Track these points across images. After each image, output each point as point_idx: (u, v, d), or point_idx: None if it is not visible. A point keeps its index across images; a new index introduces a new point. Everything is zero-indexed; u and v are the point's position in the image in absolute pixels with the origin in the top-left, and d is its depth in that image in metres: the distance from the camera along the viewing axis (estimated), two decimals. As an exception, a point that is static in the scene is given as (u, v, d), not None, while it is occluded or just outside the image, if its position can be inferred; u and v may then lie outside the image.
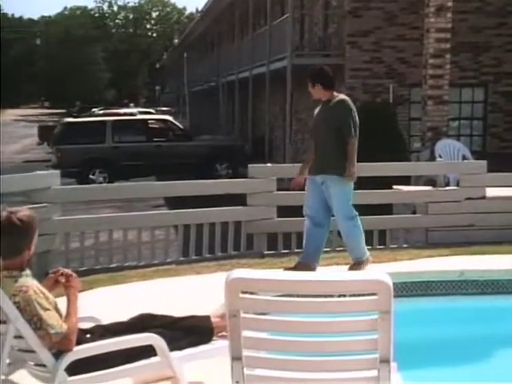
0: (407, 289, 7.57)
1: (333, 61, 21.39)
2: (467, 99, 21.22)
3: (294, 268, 7.99)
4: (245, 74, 30.26)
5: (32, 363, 4.14)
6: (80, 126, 23.60)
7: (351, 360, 3.13)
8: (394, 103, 19.70)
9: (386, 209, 10.51)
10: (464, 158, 14.46)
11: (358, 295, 3.09)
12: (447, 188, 10.83)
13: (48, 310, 4.00)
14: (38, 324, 3.96)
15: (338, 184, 7.89)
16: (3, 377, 4.00)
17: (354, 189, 8.22)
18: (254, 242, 9.73)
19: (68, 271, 4.35)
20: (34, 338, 3.92)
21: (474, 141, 20.91)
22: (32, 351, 3.97)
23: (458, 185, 10.67)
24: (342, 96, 8.21)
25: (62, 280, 4.29)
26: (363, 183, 10.04)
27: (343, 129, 7.92)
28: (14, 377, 4.22)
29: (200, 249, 9.49)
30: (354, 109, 8.10)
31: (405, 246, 9.88)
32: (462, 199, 10.13)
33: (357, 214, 8.07)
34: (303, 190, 8.33)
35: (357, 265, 8.00)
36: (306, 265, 8.00)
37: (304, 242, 8.39)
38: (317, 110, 8.32)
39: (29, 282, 4.04)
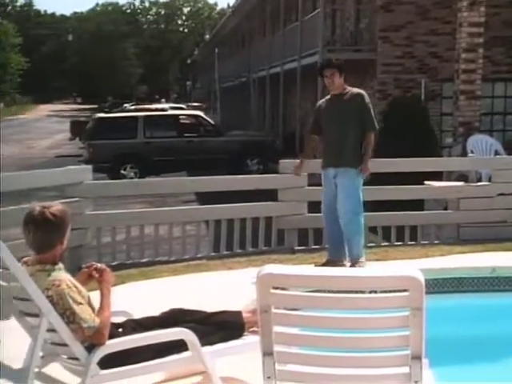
0: (439, 285, 7.53)
1: (364, 56, 21.35)
2: (500, 94, 21.04)
3: (324, 265, 7.97)
4: (276, 69, 30.22)
5: (65, 356, 4.17)
6: (112, 121, 23.71)
7: (383, 356, 3.12)
8: (425, 98, 19.58)
9: (417, 205, 10.46)
10: (496, 153, 14.35)
11: (390, 291, 3.09)
12: (479, 184, 10.73)
13: (81, 304, 4.03)
14: (70, 318, 3.99)
15: (349, 177, 7.87)
16: (36, 369, 4.04)
17: (371, 184, 8.21)
18: (284, 238, 9.73)
19: (101, 266, 4.38)
20: (67, 332, 3.95)
21: (506, 136, 20.72)
22: (65, 345, 4.00)
23: (490, 180, 10.59)
24: (358, 89, 8.16)
25: (96, 274, 4.32)
26: (394, 179, 10.02)
27: (366, 122, 7.88)
28: (47, 369, 4.25)
29: (231, 244, 9.51)
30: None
31: (436, 242, 9.83)
32: (494, 195, 10.06)
33: (362, 210, 8.02)
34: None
35: (353, 265, 7.90)
36: (334, 261, 7.97)
37: (327, 239, 8.42)
38: (324, 103, 8.24)
39: (62, 275, 4.07)
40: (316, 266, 7.93)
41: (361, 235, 8.03)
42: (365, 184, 8.26)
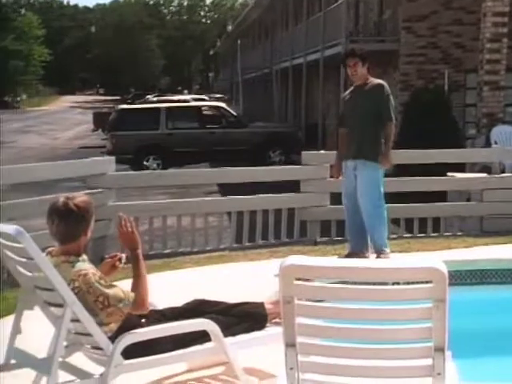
0: (462, 277, 7.50)
1: (387, 46, 21.25)
2: (524, 85, 20.89)
3: (346, 257, 7.95)
4: (299, 60, 30.15)
5: (88, 346, 4.20)
6: (134, 112, 23.78)
7: (405, 348, 3.12)
8: (448, 89, 19.47)
9: (440, 196, 10.42)
10: (521, 144, 14.25)
11: (413, 283, 3.08)
12: (503, 175, 10.68)
13: (110, 286, 4.06)
14: (105, 302, 4.02)
15: (370, 169, 7.83)
16: (60, 359, 4.07)
17: (393, 175, 8.15)
18: (307, 229, 9.73)
19: (124, 256, 4.40)
20: (91, 322, 3.98)
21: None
22: (88, 334, 4.03)
23: (514, 172, 10.54)
24: (379, 80, 8.09)
25: (119, 265, 4.34)
26: (417, 170, 9.98)
27: (383, 113, 7.83)
28: (70, 359, 4.29)
29: (253, 236, 9.52)
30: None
31: (459, 233, 9.79)
32: (518, 187, 9.99)
33: (384, 202, 7.97)
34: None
35: (379, 257, 7.87)
36: (356, 254, 7.96)
37: (348, 231, 8.38)
38: (348, 95, 8.22)
39: (86, 266, 4.09)
40: (338, 258, 7.91)
41: (384, 226, 7.99)
42: (387, 176, 8.23)
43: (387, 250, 7.94)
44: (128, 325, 4.13)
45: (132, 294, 4.09)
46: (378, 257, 7.87)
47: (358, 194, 7.92)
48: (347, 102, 8.21)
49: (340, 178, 8.27)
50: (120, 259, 4.37)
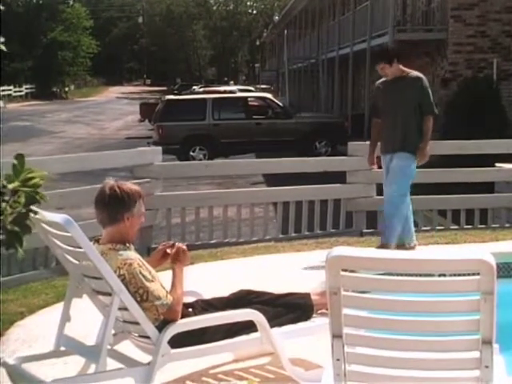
0: (509, 269, 7.41)
1: (435, 36, 21.08)
2: None
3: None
4: (345, 50, 30.01)
5: (136, 335, 4.24)
6: (181, 103, 23.90)
7: (452, 340, 3.10)
8: (497, 78, 19.23)
9: (487, 187, 10.31)
10: None
11: (460, 275, 3.06)
12: (553, 166, 10.52)
13: (153, 281, 4.09)
14: (144, 296, 4.05)
15: (404, 160, 7.71)
16: (109, 347, 4.12)
17: (440, 166, 8.02)
18: (353, 220, 9.70)
19: (180, 244, 4.42)
20: (138, 310, 4.01)
21: None
22: (136, 323, 4.07)
23: None
24: (417, 73, 7.92)
25: (172, 251, 4.35)
26: (464, 161, 9.89)
27: (424, 106, 7.72)
28: (118, 347, 4.34)
29: (299, 226, 9.52)
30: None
31: (507, 225, 9.68)
32: None
33: (409, 199, 7.80)
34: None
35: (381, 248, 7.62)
36: (386, 246, 7.71)
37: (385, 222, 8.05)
38: (383, 85, 8.04)
39: (133, 256, 4.13)
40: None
41: (398, 219, 7.73)
42: (433, 166, 8.12)
43: (391, 244, 7.70)
44: (175, 314, 4.16)
45: (170, 297, 4.10)
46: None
47: (387, 183, 7.85)
48: (383, 93, 8.05)
49: (374, 167, 8.24)
50: (173, 245, 4.38)
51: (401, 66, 7.82)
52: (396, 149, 7.77)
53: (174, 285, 4.20)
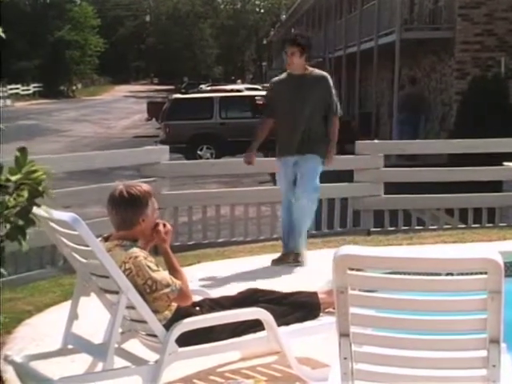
0: (517, 268, 7.39)
1: (443, 34, 21.03)
2: None
3: (279, 260, 7.47)
4: (352, 49, 29.97)
5: (143, 333, 4.25)
6: (188, 102, 23.91)
7: (460, 339, 3.09)
8: (505, 77, 19.19)
9: (495, 186, 10.29)
10: None
11: (467, 274, 3.06)
12: (561, 165, 10.48)
13: (158, 270, 4.10)
14: (153, 287, 4.06)
15: (314, 163, 7.31)
16: (116, 345, 4.12)
17: (447, 164, 7.92)
18: (360, 219, 9.70)
19: (167, 224, 4.38)
20: (146, 309, 4.02)
21: None
22: (143, 321, 4.08)
23: None
24: (321, 71, 7.51)
25: (161, 228, 4.31)
26: (473, 160, 9.87)
27: (330, 107, 7.31)
28: (126, 346, 4.34)
29: (306, 225, 9.50)
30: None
31: (515, 224, 9.65)
32: None
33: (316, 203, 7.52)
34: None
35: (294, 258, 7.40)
36: (288, 254, 7.50)
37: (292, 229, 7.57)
38: (282, 84, 7.48)
39: (136, 249, 4.14)
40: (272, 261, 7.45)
41: (308, 225, 7.60)
42: (443, 165, 8.11)
43: (298, 251, 7.43)
44: (182, 313, 4.17)
45: (179, 282, 4.13)
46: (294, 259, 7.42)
47: (303, 185, 7.33)
48: (282, 92, 7.43)
49: (250, 165, 7.74)
50: (164, 224, 4.36)
51: (305, 62, 7.34)
52: (303, 151, 7.29)
53: (173, 268, 4.22)
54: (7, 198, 2.67)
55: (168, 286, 4.08)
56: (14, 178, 2.70)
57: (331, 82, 7.42)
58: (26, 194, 2.71)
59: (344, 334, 3.12)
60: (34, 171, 2.72)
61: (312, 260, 7.53)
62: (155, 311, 4.09)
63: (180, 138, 21.45)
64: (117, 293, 4.00)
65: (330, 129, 7.39)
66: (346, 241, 8.52)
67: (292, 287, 4.96)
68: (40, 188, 2.74)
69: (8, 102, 52.62)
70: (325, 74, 7.46)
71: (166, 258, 4.30)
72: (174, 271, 4.23)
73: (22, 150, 2.76)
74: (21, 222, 2.72)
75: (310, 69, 7.42)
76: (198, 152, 22.15)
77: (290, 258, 7.43)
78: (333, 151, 7.40)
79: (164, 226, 4.33)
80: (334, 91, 7.40)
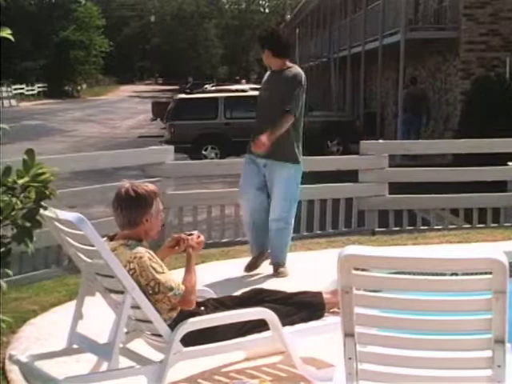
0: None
1: (447, 34, 21.02)
2: None
3: (251, 265, 7.16)
4: (357, 49, 29.96)
5: (148, 333, 4.25)
6: (193, 102, 23.90)
7: (465, 339, 3.09)
8: (510, 77, 19.17)
9: (500, 186, 10.27)
10: None
11: (472, 274, 3.05)
12: None
13: (163, 273, 4.11)
14: (155, 288, 4.07)
15: (285, 169, 6.97)
16: (121, 345, 4.13)
17: (453, 165, 7.86)
18: (365, 219, 9.69)
19: (200, 234, 4.49)
20: (151, 309, 4.03)
21: None
22: (148, 321, 4.09)
23: None
24: (296, 68, 7.06)
25: (179, 249, 4.38)
26: (477, 159, 9.86)
27: (285, 102, 6.80)
28: (131, 345, 4.35)
29: (311, 225, 9.51)
30: (304, 86, 7.01)
31: (520, 224, 9.64)
32: None
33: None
34: None
35: (275, 269, 7.07)
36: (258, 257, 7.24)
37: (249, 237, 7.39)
38: (265, 80, 7.26)
39: (142, 249, 4.15)
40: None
41: (290, 234, 7.25)
42: (450, 165, 8.08)
43: (284, 264, 7.14)
44: (187, 313, 4.17)
45: (183, 286, 4.13)
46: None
47: (278, 195, 7.00)
48: (261, 88, 7.28)
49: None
50: (184, 241, 4.40)
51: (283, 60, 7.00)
52: (270, 154, 6.89)
53: (188, 272, 4.23)
54: (14, 199, 2.68)
55: (171, 289, 4.08)
56: (21, 181, 2.70)
57: (300, 81, 6.94)
58: (33, 195, 2.71)
59: (349, 334, 3.12)
60: (42, 173, 2.73)
61: (317, 260, 7.53)
62: (158, 312, 4.09)
63: (185, 138, 21.45)
64: (122, 292, 4.01)
65: (279, 121, 6.82)
66: (350, 241, 8.52)
67: (296, 287, 4.95)
68: (47, 191, 2.74)
69: (13, 102, 52.69)
70: (296, 72, 7.00)
71: (187, 259, 4.34)
72: (187, 272, 4.25)
73: (30, 152, 2.76)
74: (27, 224, 2.72)
75: (289, 65, 7.06)
76: (203, 152, 22.16)
77: (261, 260, 7.16)
78: (269, 136, 6.77)
79: (198, 237, 4.43)
80: (298, 90, 6.91)
